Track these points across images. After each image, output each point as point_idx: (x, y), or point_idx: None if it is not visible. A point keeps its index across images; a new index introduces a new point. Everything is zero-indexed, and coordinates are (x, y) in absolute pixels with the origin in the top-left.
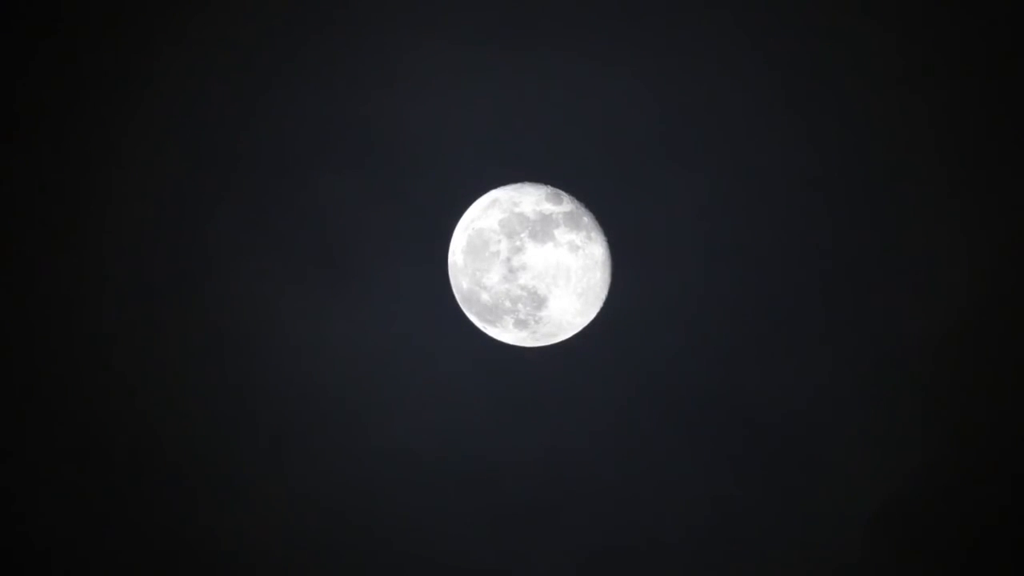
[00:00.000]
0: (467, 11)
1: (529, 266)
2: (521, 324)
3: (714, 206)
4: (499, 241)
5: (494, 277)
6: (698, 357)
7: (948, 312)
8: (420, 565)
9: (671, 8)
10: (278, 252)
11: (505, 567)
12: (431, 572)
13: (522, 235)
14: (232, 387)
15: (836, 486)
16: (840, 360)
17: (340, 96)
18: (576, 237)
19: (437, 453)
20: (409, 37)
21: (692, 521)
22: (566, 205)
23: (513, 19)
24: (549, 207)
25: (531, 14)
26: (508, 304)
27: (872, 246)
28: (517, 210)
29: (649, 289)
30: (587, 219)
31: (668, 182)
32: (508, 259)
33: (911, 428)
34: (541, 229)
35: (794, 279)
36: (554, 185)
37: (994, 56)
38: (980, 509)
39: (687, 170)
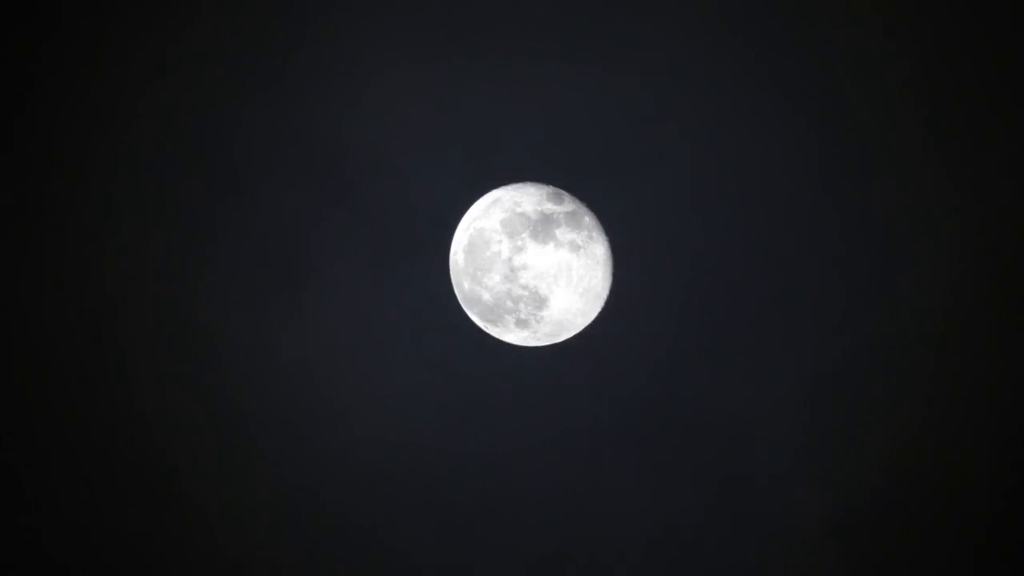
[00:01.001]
0: (467, 11)
1: (530, 266)
2: (522, 324)
3: (716, 206)
4: (500, 241)
5: (495, 277)
6: (698, 359)
7: (919, 317)
8: (414, 564)
9: (674, 7)
10: (279, 254)
11: (502, 565)
12: (427, 571)
13: (523, 235)
14: (231, 389)
15: (797, 496)
16: (830, 365)
17: (341, 98)
18: (577, 236)
19: (437, 453)
20: (409, 37)
21: (684, 522)
22: (567, 205)
23: (514, 19)
24: (550, 207)
25: (532, 14)
26: (509, 304)
27: (865, 248)
28: (519, 210)
29: (651, 288)
30: (588, 219)
31: (670, 181)
32: (509, 259)
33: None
34: (542, 229)
35: (795, 279)
36: (555, 185)
37: (990, 54)
38: (943, 518)
39: (689, 169)
